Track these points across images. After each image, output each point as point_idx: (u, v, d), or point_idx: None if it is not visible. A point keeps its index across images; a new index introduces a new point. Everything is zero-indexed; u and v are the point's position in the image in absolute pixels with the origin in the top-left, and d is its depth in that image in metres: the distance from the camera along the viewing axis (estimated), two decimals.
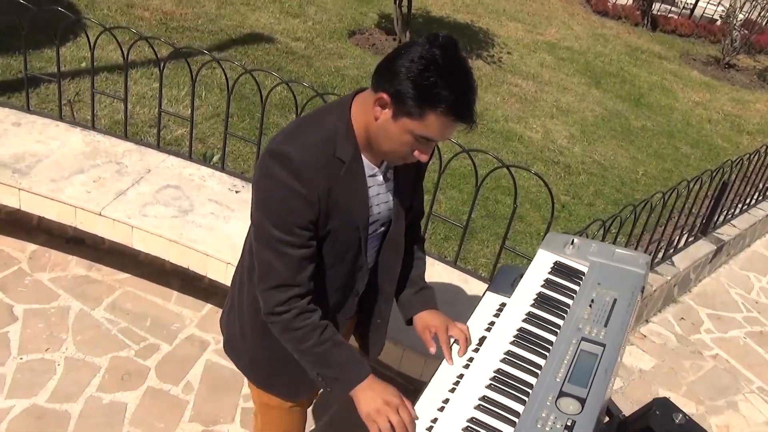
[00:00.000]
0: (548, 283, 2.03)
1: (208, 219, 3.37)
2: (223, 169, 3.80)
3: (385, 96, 1.61)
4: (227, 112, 3.73)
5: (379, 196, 1.84)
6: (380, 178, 1.82)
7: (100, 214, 3.29)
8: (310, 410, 3.01)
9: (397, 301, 2.13)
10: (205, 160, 4.07)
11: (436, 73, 1.56)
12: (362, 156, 1.76)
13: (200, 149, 4.49)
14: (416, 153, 1.69)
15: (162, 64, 3.70)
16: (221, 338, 2.16)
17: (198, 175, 3.70)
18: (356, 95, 1.76)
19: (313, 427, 3.11)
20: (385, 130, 1.66)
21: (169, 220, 3.31)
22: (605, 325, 1.85)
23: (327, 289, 1.87)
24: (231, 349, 2.10)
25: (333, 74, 6.32)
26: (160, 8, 6.71)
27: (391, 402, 1.73)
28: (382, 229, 1.92)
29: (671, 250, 4.53)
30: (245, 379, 2.13)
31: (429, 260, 3.46)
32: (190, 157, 3.84)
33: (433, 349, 1.96)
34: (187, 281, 3.72)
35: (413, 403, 1.75)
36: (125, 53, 3.68)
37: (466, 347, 1.92)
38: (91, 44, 3.77)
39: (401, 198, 1.91)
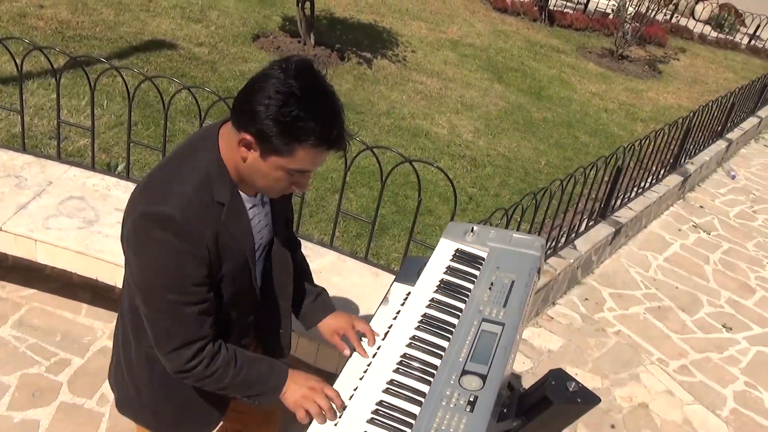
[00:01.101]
0: (450, 270, 2.12)
1: (115, 228, 3.33)
2: (128, 178, 3.75)
3: (248, 137, 1.55)
4: (129, 121, 3.68)
5: (260, 222, 1.82)
6: (259, 206, 1.80)
7: (0, 230, 3.20)
8: None
9: (297, 315, 2.13)
10: (109, 170, 4.00)
11: (297, 106, 1.50)
12: (239, 192, 1.71)
13: (104, 159, 4.41)
14: (293, 186, 1.67)
15: (58, 74, 3.63)
16: None
17: (102, 185, 3.64)
18: (221, 128, 1.68)
19: None
20: (257, 169, 1.61)
21: (74, 231, 3.26)
22: (504, 306, 1.95)
23: (225, 322, 1.83)
24: (127, 407, 2.02)
25: (238, 78, 6.29)
26: (55, 17, 6.52)
27: (315, 387, 1.77)
28: (266, 250, 1.92)
29: (573, 235, 4.74)
30: None
31: (341, 257, 3.54)
32: (93, 167, 3.78)
33: (347, 352, 1.97)
34: (98, 293, 3.65)
35: None
36: (19, 64, 3.59)
37: (374, 338, 1.97)
38: None
39: (279, 217, 1.91)
